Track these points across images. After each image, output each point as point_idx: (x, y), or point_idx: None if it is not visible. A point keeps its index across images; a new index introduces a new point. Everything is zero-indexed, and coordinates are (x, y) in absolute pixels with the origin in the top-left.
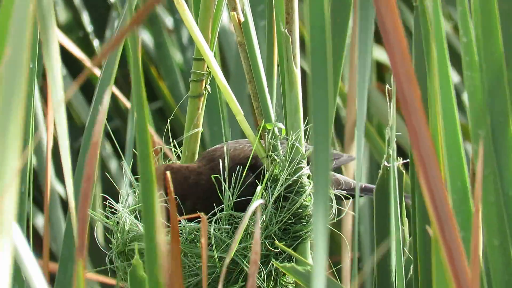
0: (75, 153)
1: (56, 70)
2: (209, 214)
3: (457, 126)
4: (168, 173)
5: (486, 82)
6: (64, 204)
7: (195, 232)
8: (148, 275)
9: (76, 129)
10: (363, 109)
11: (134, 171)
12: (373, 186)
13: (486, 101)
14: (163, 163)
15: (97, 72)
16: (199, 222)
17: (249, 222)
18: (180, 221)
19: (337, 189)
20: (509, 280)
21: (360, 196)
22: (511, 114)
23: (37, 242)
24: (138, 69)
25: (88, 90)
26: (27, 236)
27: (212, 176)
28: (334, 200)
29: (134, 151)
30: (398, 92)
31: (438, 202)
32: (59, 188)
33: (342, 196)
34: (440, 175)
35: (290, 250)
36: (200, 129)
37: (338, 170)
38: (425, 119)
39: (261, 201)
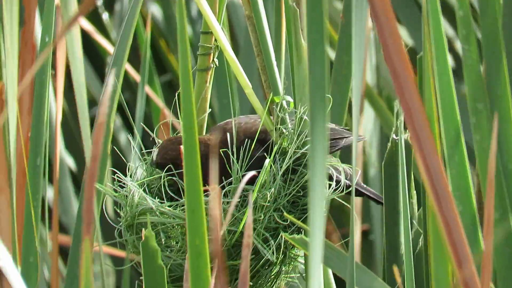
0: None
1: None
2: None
3: (454, 99)
4: (181, 147)
5: (484, 55)
6: (74, 176)
7: (205, 206)
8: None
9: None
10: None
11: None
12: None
13: (484, 75)
14: (172, 135)
15: (106, 44)
16: (208, 195)
17: (257, 195)
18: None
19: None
20: (510, 253)
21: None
22: (509, 87)
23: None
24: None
25: (97, 63)
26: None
27: (221, 150)
28: (343, 174)
29: (143, 125)
30: (389, 70)
31: (434, 176)
32: (68, 160)
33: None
34: (435, 150)
35: (299, 222)
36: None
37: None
38: (418, 96)
39: (253, 172)
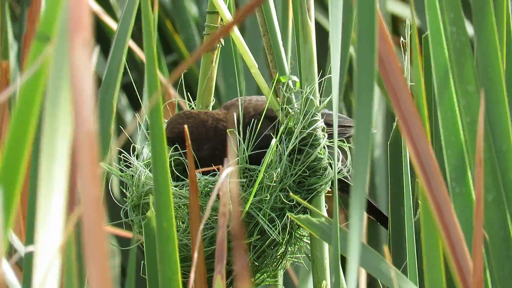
0: None
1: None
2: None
3: (450, 80)
4: (185, 126)
5: (476, 37)
6: None
7: (211, 185)
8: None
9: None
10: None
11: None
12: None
13: (476, 55)
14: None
15: (113, 25)
16: (214, 175)
17: (264, 175)
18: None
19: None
20: (504, 235)
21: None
22: (502, 66)
23: None
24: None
25: (103, 42)
26: None
27: (228, 130)
28: (349, 153)
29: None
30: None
31: (423, 158)
32: None
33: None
34: (424, 133)
35: (305, 202)
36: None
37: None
38: (404, 80)
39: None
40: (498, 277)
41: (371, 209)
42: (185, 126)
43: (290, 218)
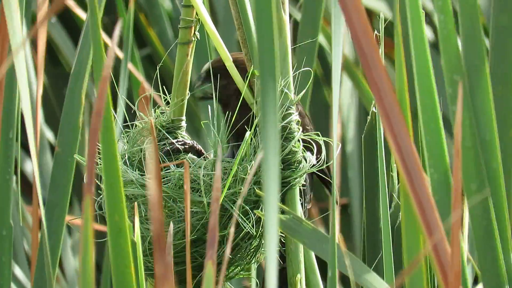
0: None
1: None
2: (197, 160)
3: (429, 67)
4: (152, 119)
5: (461, 26)
6: (53, 149)
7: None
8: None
9: (66, 75)
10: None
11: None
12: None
13: (461, 45)
14: (152, 109)
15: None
16: (189, 167)
17: (238, 167)
18: (169, 167)
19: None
20: (487, 225)
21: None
22: (486, 57)
23: (26, 188)
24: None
25: (76, 36)
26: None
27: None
28: (323, 147)
29: (125, 98)
30: (356, 48)
31: (403, 149)
32: (48, 134)
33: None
34: (405, 125)
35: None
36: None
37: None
38: (385, 72)
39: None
40: (481, 266)
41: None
42: (151, 119)
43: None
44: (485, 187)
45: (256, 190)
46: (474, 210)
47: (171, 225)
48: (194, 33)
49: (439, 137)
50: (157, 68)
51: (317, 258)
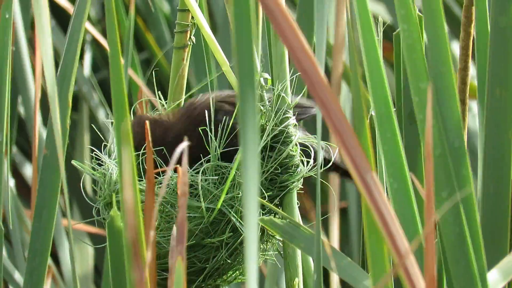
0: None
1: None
2: (196, 165)
3: (382, 73)
4: (147, 123)
5: (426, 33)
6: None
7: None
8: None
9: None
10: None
11: None
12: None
13: (426, 51)
14: (148, 114)
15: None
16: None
17: (236, 172)
18: (164, 172)
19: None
20: (459, 232)
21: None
22: (452, 64)
23: (25, 191)
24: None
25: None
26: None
27: (199, 128)
28: (321, 151)
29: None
30: (299, 71)
31: (355, 157)
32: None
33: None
34: (356, 142)
35: (269, 204)
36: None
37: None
38: (330, 90)
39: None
40: (453, 273)
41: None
42: (147, 123)
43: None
44: (455, 194)
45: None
46: (445, 217)
47: (174, 229)
48: (190, 37)
49: (396, 146)
50: (153, 72)
51: None
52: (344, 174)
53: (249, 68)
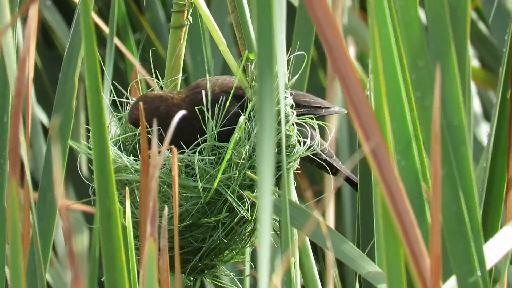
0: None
1: None
2: (192, 145)
3: (394, 55)
4: (141, 103)
5: (427, 11)
6: (46, 131)
7: (179, 163)
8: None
9: (60, 58)
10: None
11: (115, 102)
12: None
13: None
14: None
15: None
16: (183, 152)
17: (232, 152)
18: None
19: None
20: (457, 211)
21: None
22: (453, 42)
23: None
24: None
25: (71, 18)
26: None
27: (196, 107)
28: (317, 131)
29: (115, 82)
30: (322, 42)
31: (370, 133)
32: (41, 115)
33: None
34: (374, 119)
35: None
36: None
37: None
38: (350, 61)
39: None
40: (451, 253)
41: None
42: (141, 103)
43: None
44: (453, 171)
45: (249, 173)
46: (444, 196)
47: (166, 209)
48: (187, 17)
49: (404, 122)
50: (149, 52)
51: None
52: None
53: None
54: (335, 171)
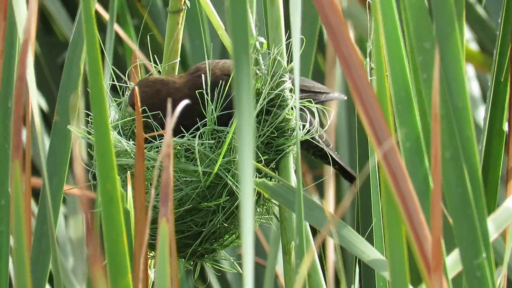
0: (58, 68)
1: None
2: (192, 129)
3: (398, 34)
4: (136, 88)
5: None
6: (45, 117)
7: (179, 147)
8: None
9: (59, 44)
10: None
11: (115, 86)
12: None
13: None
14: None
15: None
16: (183, 136)
17: (232, 136)
18: (159, 135)
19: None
20: (462, 193)
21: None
22: (457, 23)
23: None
24: None
25: (70, 5)
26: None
27: (197, 91)
28: (317, 117)
29: (113, 67)
30: (324, 25)
31: (376, 124)
32: (40, 101)
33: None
34: (376, 99)
35: (265, 168)
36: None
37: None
38: (353, 45)
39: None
40: (457, 235)
41: (339, 167)
42: (136, 88)
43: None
44: (459, 154)
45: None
46: (449, 179)
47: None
48: (185, 1)
49: (410, 105)
50: (147, 36)
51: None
52: (341, 170)
53: (243, 31)
54: (331, 161)
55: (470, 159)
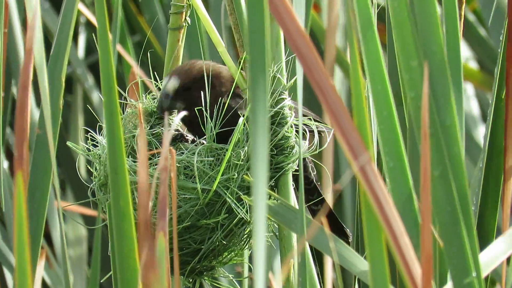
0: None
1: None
2: (191, 146)
3: (379, 54)
4: (140, 105)
5: (417, 12)
6: None
7: (177, 165)
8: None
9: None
10: None
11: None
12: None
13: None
14: (144, 94)
15: None
16: (182, 153)
17: (231, 154)
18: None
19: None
20: (451, 211)
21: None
22: (443, 42)
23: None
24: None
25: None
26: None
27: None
28: (316, 132)
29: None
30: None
31: (352, 143)
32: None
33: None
34: (352, 125)
35: (250, 179)
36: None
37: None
38: (325, 71)
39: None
40: (447, 253)
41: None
42: (140, 105)
43: None
44: (447, 172)
45: (246, 177)
46: (438, 197)
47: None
48: (185, 18)
49: (393, 124)
50: (147, 53)
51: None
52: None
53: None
54: (317, 199)
55: (458, 177)
